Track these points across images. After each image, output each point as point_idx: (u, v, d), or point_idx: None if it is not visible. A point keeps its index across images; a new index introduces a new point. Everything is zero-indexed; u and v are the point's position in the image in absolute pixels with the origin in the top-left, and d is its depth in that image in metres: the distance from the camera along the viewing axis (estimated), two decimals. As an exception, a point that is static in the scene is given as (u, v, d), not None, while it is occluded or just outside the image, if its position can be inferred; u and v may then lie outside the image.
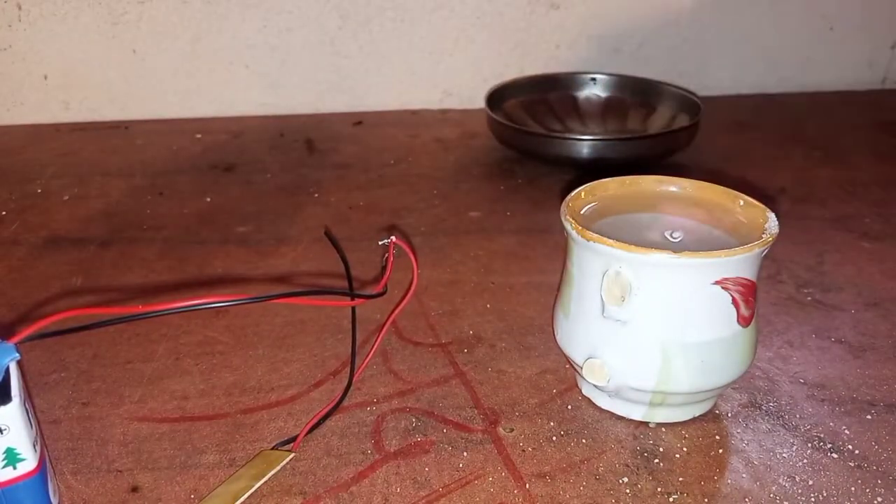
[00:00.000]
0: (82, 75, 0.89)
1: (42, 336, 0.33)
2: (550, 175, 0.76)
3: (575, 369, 0.45)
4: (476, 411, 0.44)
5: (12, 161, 0.80)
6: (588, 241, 0.40)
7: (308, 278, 0.58)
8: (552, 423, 0.43)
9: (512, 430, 0.43)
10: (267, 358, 0.49)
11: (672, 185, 0.47)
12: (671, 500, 0.38)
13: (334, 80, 0.94)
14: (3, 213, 0.68)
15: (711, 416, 0.44)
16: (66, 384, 0.46)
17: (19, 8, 0.85)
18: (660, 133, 0.77)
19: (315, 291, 0.51)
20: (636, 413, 0.43)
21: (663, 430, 0.43)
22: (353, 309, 0.48)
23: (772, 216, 0.42)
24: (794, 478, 0.39)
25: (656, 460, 0.41)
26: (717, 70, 1.00)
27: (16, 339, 0.33)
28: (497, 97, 0.84)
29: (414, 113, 0.96)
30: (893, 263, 0.60)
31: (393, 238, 0.46)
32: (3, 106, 0.89)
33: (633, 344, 0.40)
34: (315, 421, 0.43)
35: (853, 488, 0.39)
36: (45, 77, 0.88)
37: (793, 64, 1.02)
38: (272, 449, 0.41)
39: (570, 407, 0.45)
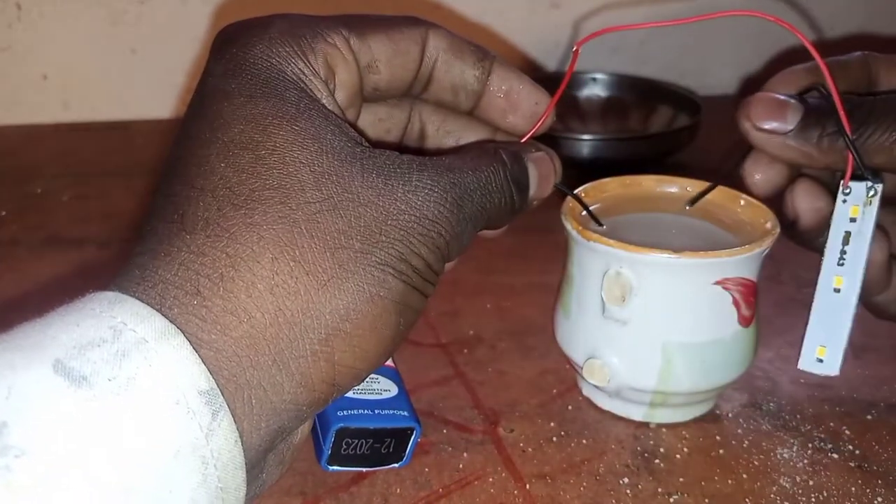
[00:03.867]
0: (82, 75, 0.89)
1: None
2: (550, 175, 0.76)
3: (575, 370, 0.45)
4: (476, 412, 0.44)
5: (12, 161, 0.80)
6: (588, 240, 0.40)
7: (308, 278, 0.58)
8: (552, 424, 0.43)
9: (512, 430, 0.43)
10: (267, 358, 0.49)
11: (672, 185, 0.47)
12: (672, 500, 0.38)
13: (334, 80, 0.93)
14: (3, 213, 0.68)
15: (712, 417, 0.44)
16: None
17: (18, 8, 0.85)
18: (660, 133, 0.77)
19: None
20: (637, 413, 0.43)
21: (664, 430, 0.43)
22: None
23: (773, 216, 0.42)
24: (795, 478, 0.39)
25: (657, 461, 0.41)
26: (717, 70, 1.00)
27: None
28: (497, 97, 0.84)
29: (414, 113, 0.95)
30: (894, 263, 0.60)
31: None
32: (3, 106, 0.89)
33: (633, 344, 0.40)
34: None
35: (853, 488, 0.39)
36: (45, 77, 0.88)
37: (793, 64, 1.02)
38: (272, 449, 0.41)
39: (570, 407, 0.45)
